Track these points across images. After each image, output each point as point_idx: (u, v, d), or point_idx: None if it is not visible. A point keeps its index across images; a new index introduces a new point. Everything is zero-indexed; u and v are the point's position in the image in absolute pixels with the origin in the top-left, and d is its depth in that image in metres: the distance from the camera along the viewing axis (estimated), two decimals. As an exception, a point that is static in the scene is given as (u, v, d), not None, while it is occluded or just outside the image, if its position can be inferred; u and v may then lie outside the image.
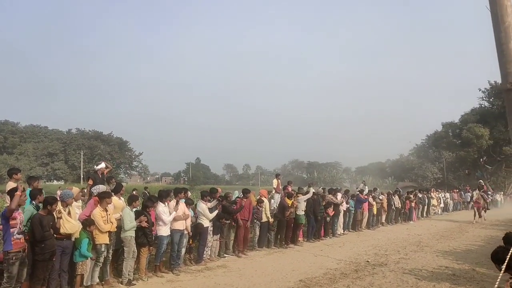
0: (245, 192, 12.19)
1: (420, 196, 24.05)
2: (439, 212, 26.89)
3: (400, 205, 20.71)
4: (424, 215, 24.52)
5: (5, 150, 75.40)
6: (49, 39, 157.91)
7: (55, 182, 72.29)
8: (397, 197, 20.82)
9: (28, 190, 8.00)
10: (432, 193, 26.84)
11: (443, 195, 28.89)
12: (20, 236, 6.17)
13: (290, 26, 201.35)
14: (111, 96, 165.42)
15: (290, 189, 14.22)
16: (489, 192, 33.17)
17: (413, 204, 22.23)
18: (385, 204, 19.49)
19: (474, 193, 22.91)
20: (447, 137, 61.35)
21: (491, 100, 55.77)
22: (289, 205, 13.03)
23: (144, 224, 8.33)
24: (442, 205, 27.62)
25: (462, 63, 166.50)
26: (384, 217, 19.73)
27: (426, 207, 24.75)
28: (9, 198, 6.72)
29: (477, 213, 21.41)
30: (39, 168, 74.25)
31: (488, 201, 23.59)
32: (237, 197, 12.08)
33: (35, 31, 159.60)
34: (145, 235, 8.40)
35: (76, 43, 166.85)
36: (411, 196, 22.42)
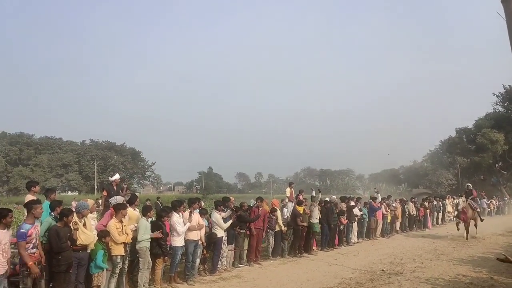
0: (259, 200, 12.22)
1: (435, 203, 23.77)
2: (454, 219, 26.46)
3: (414, 213, 20.48)
4: (440, 222, 24.20)
5: (20, 162, 76.59)
6: (56, 49, 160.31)
7: (69, 193, 73.17)
8: (411, 204, 20.61)
9: (46, 202, 8.15)
10: (447, 200, 26.52)
11: (458, 202, 28.41)
12: (35, 250, 6.28)
13: (301, 27, 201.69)
14: (122, 107, 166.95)
15: (301, 197, 14.21)
16: (484, 199, 31.39)
17: (428, 211, 21.97)
18: (399, 212, 19.30)
19: (460, 200, 18.62)
20: (461, 143, 60.57)
21: (505, 104, 55.03)
22: (301, 213, 13.01)
23: (159, 235, 8.39)
24: (457, 212, 27.15)
25: (476, 68, 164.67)
26: (398, 224, 19.53)
27: (441, 214, 24.43)
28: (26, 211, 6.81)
29: (465, 227, 17.57)
30: (53, 179, 75.20)
31: (478, 210, 19.06)
32: (250, 206, 12.10)
33: (44, 40, 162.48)
34: (159, 246, 8.46)
35: (84, 52, 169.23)
36: (426, 203, 22.18)
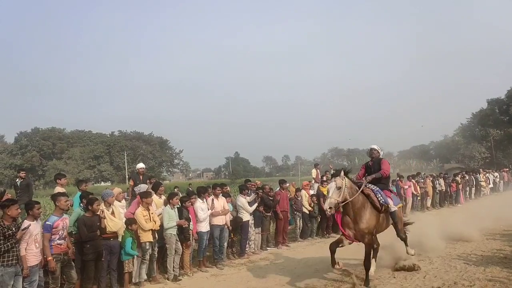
0: (281, 183, 12.21)
1: (467, 177, 23.15)
2: (488, 193, 25.78)
3: (443, 188, 19.98)
4: (473, 196, 23.60)
5: (54, 156, 79.05)
6: (82, 42, 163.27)
7: (102, 184, 75.24)
8: (441, 180, 20.15)
9: (78, 193, 8.42)
10: (480, 174, 25.79)
11: (492, 175, 27.65)
12: (62, 241, 6.50)
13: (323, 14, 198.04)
14: (148, 95, 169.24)
15: (325, 178, 14.09)
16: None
17: (460, 186, 21.43)
18: (429, 188, 18.91)
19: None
20: (493, 114, 58.62)
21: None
22: (324, 194, 12.91)
23: (183, 223, 8.50)
24: (491, 185, 26.44)
25: (506, 36, 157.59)
26: (429, 201, 19.16)
27: (474, 188, 23.80)
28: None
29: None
30: (86, 171, 77.38)
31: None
32: (272, 189, 12.11)
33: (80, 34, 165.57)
34: (181, 232, 8.58)
35: (111, 46, 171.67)
36: (457, 178, 21.63)
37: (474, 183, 23.81)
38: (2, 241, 5.58)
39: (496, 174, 28.61)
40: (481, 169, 29.33)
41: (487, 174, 27.12)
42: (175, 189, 18.51)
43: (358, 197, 7.38)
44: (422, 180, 18.90)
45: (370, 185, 7.83)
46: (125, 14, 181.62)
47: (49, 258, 6.23)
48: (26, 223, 6.01)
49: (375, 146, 8.53)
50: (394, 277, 8.06)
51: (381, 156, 8.50)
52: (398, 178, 17.57)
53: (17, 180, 11.60)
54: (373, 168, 8.30)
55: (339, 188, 7.09)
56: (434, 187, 19.36)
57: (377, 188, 7.83)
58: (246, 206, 10.29)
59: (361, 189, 7.52)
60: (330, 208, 7.03)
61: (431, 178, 19.76)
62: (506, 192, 27.27)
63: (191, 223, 8.84)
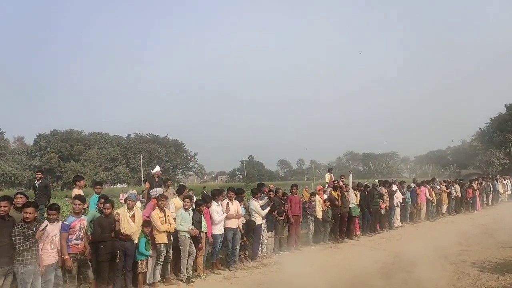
0: (293, 187, 12.29)
1: (483, 183, 22.82)
2: (506, 199, 25.36)
3: (460, 194, 19.74)
4: (490, 203, 23.24)
5: (72, 158, 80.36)
6: (95, 47, 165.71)
7: (118, 186, 76.23)
8: (457, 186, 19.91)
9: (95, 195, 8.64)
10: (498, 180, 25.38)
11: (510, 182, 27.17)
12: (78, 241, 6.70)
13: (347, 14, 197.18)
14: (163, 99, 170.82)
15: (341, 182, 14.10)
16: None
17: (476, 193, 21.13)
18: (444, 194, 18.71)
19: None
20: (512, 120, 57.52)
21: None
22: (336, 198, 12.94)
23: (195, 233, 8.63)
24: (509, 192, 26.00)
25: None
26: (445, 207, 18.95)
27: (491, 195, 23.44)
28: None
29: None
30: (103, 173, 78.51)
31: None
32: (285, 193, 12.18)
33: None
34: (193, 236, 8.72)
35: (124, 50, 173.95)
36: (474, 184, 21.34)
37: (492, 189, 23.45)
38: (22, 241, 5.79)
39: (514, 180, 28.09)
40: (498, 176, 28.86)
41: (505, 181, 26.68)
42: (190, 192, 18.79)
43: None
44: (438, 186, 18.71)
45: None
46: (139, 17, 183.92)
47: (66, 257, 6.43)
48: (45, 223, 6.24)
49: None
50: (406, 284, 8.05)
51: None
52: (414, 185, 17.38)
53: (36, 181, 11.93)
54: None
55: None
56: (450, 193, 19.14)
57: None
58: (259, 210, 10.38)
59: None
60: None
61: (445, 184, 19.52)
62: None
63: (204, 226, 8.96)
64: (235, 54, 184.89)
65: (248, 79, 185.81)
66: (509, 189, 26.18)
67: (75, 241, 6.67)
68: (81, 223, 6.77)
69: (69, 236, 6.57)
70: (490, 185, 23.49)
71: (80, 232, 6.73)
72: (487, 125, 67.81)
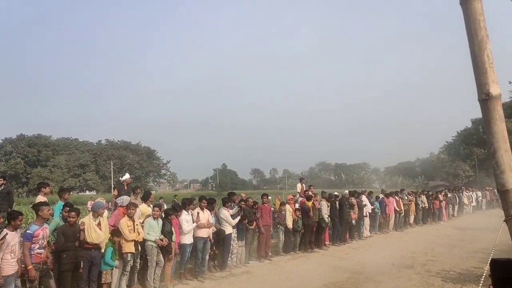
0: (264, 196, 12.32)
1: (449, 195, 23.51)
2: (471, 211, 26.18)
3: (427, 205, 20.26)
4: (456, 214, 23.93)
5: (39, 163, 78.03)
6: (68, 51, 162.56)
7: (87, 193, 74.41)
8: (424, 197, 20.43)
9: (59, 203, 8.39)
10: (463, 192, 26.22)
11: (475, 194, 28.10)
12: (41, 250, 6.48)
13: (306, 26, 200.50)
14: (136, 105, 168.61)
15: (310, 192, 14.26)
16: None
17: (442, 204, 21.75)
18: (412, 205, 19.16)
19: None
20: (477, 134, 59.62)
21: (522, 93, 53.82)
22: (309, 208, 13.05)
23: (162, 244, 8.51)
24: (473, 203, 26.87)
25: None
26: (412, 218, 19.39)
27: (457, 206, 24.15)
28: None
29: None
30: (71, 179, 76.50)
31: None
32: (256, 202, 12.23)
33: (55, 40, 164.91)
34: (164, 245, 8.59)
35: (96, 57, 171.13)
36: (440, 195, 21.96)
37: (457, 201, 24.17)
38: None
39: (479, 193, 29.07)
40: (463, 188, 29.79)
41: (470, 193, 27.57)
42: (160, 200, 18.58)
43: None
44: (406, 197, 19.14)
45: None
46: (107, 19, 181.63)
47: (30, 267, 6.21)
48: (4, 232, 6.01)
49: None
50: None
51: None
52: (382, 196, 17.73)
53: (-3, 187, 11.46)
54: None
55: None
56: (417, 204, 19.61)
57: None
58: (229, 219, 10.34)
59: None
60: None
61: (413, 195, 20.00)
62: (489, 210, 27.72)
63: (173, 235, 8.85)
64: (212, 59, 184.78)
65: (223, 89, 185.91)
66: (473, 200, 27.05)
67: (38, 250, 6.45)
68: (44, 231, 6.56)
69: (32, 245, 6.35)
70: (456, 196, 24.21)
71: (43, 241, 6.52)
72: (454, 138, 70.10)
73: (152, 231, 8.42)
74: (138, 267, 8.47)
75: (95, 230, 7.43)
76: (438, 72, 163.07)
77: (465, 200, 25.43)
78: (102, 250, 7.59)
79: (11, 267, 6.04)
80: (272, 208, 12.84)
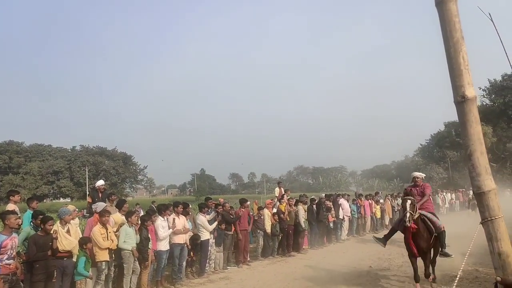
0: (242, 202, 12.25)
1: (424, 197, 23.91)
2: (445, 213, 26.72)
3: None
4: (430, 216, 24.34)
5: (10, 170, 75.72)
6: (48, 46, 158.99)
7: (61, 200, 72.60)
8: (399, 199, 20.72)
9: (28, 212, 8.09)
10: (437, 194, 26.76)
11: (448, 195, 28.73)
12: (10, 261, 6.21)
13: (290, 28, 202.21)
14: (113, 110, 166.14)
15: (285, 196, 14.28)
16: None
17: (417, 206, 22.09)
18: (388, 207, 19.42)
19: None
20: (450, 137, 61.05)
21: (492, 97, 55.59)
22: (283, 212, 13.05)
23: (136, 254, 8.34)
24: (447, 205, 27.46)
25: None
26: (387, 220, 19.64)
27: (431, 208, 24.59)
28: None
29: None
30: (45, 186, 74.56)
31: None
32: (232, 207, 12.15)
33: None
34: (140, 252, 8.41)
35: (74, 51, 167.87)
36: (415, 197, 22.32)
37: (432, 202, 24.60)
38: None
39: (453, 195, 29.75)
40: (439, 189, 30.43)
41: (444, 194, 28.16)
42: (136, 206, 18.22)
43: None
44: (382, 200, 19.38)
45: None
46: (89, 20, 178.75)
47: None
48: None
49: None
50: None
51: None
52: (357, 197, 17.92)
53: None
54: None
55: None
56: (393, 206, 19.89)
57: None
58: (206, 225, 10.22)
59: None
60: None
61: (389, 198, 20.29)
62: (462, 211, 28.35)
63: (150, 242, 8.68)
64: (189, 61, 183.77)
65: (201, 92, 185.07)
66: (447, 202, 27.64)
67: (7, 261, 6.18)
68: (13, 241, 6.29)
69: (0, 256, 6.09)
70: (431, 199, 24.64)
71: (12, 251, 6.25)
72: (428, 141, 71.59)
73: (129, 238, 8.23)
74: (113, 275, 8.27)
75: (65, 237, 7.24)
76: (413, 74, 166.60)
77: (440, 202, 25.94)
78: (74, 259, 7.38)
79: None
80: (251, 213, 12.77)
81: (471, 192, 18.14)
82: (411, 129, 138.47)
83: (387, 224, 19.52)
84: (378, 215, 18.58)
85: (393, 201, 20.20)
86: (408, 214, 7.70)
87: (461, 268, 5.78)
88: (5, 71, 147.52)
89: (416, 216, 7.89)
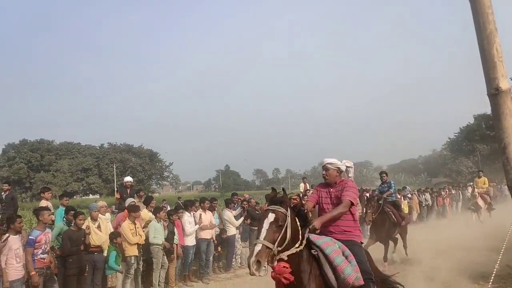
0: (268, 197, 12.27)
1: (453, 192, 23.42)
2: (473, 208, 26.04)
3: (430, 203, 20.21)
4: (459, 211, 23.82)
5: (42, 168, 78.14)
6: (69, 56, 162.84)
7: (91, 196, 74.47)
8: (427, 194, 20.37)
9: (61, 208, 8.37)
10: (468, 188, 26.10)
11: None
12: (45, 255, 6.45)
13: (303, 26, 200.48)
14: (138, 108, 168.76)
15: (309, 193, 14.23)
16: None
17: (446, 201, 21.67)
18: (415, 202, 19.10)
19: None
20: (479, 130, 59.49)
21: (525, 87, 53.71)
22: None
23: (168, 245, 8.49)
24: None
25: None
26: (415, 215, 19.31)
27: (461, 203, 24.06)
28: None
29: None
30: (75, 183, 76.62)
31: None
32: (257, 202, 12.22)
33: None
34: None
35: (98, 52, 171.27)
36: (443, 192, 21.88)
37: (461, 197, 24.08)
38: None
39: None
40: (467, 183, 29.67)
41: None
42: (163, 202, 18.54)
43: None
44: (410, 195, 19.07)
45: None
46: (108, 21, 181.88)
47: (33, 272, 6.18)
48: (6, 235, 5.99)
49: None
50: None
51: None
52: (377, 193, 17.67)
53: (2, 193, 11.48)
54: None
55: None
56: (420, 202, 19.55)
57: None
58: (232, 220, 10.30)
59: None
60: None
61: (417, 193, 19.96)
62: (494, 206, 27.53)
63: (176, 237, 8.82)
64: (214, 60, 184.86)
65: (225, 89, 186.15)
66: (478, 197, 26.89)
67: (41, 255, 6.43)
68: (47, 236, 6.54)
69: (35, 250, 6.33)
70: (460, 193, 24.12)
71: (46, 246, 6.49)
72: (456, 134, 69.92)
73: (158, 234, 8.39)
74: (141, 270, 8.44)
75: (95, 233, 7.46)
76: (442, 67, 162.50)
77: (470, 196, 25.31)
78: (105, 254, 7.59)
79: (16, 272, 6.03)
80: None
81: (469, 190, 17.47)
82: (438, 122, 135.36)
83: (415, 220, 19.21)
84: (406, 210, 18.27)
85: (420, 196, 19.82)
86: (254, 256, 3.57)
87: (496, 265, 5.54)
88: (37, 72, 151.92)
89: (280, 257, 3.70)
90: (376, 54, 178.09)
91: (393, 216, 10.47)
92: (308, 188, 15.93)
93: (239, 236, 10.72)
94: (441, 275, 9.02)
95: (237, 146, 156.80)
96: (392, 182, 11.15)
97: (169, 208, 12.08)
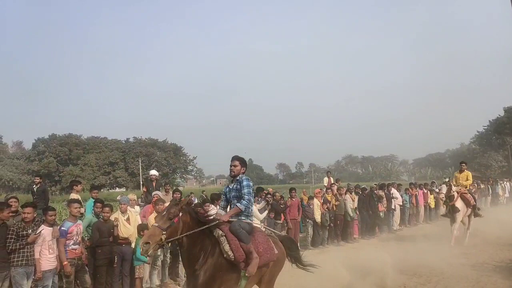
0: (292, 191, 12.31)
1: (482, 186, 22.85)
2: (505, 202, 25.37)
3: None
4: (489, 206, 23.24)
5: (70, 162, 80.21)
6: (95, 52, 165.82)
7: (117, 190, 76.07)
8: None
9: (90, 200, 8.63)
10: (498, 183, 25.44)
11: (508, 184, 27.20)
12: (76, 246, 6.68)
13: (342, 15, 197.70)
14: (163, 103, 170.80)
15: (335, 186, 14.19)
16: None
17: (475, 196, 21.13)
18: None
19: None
20: (510, 123, 57.62)
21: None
22: (329, 201, 12.97)
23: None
24: (507, 194, 26.02)
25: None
26: (443, 210, 18.93)
27: (490, 197, 23.47)
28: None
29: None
30: (102, 177, 78.40)
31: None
32: (282, 196, 12.26)
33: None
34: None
35: (125, 54, 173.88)
36: (471, 187, 21.34)
37: (490, 192, 23.49)
38: (13, 241, 5.78)
39: (512, 183, 28.11)
40: (497, 178, 28.90)
41: (504, 183, 26.70)
42: (191, 195, 18.79)
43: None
44: (437, 190, 18.69)
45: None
46: (136, 19, 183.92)
47: (65, 262, 6.41)
48: (41, 227, 6.22)
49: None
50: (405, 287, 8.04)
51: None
52: (408, 187, 17.45)
53: (34, 186, 11.90)
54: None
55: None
56: (448, 196, 19.12)
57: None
58: (257, 213, 10.35)
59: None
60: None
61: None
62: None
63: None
64: (237, 57, 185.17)
65: (248, 82, 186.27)
66: (507, 192, 26.20)
67: (73, 246, 6.66)
68: (78, 227, 6.76)
69: (67, 241, 6.56)
70: (489, 188, 23.52)
71: (77, 237, 6.72)
72: (486, 128, 67.91)
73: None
74: (168, 262, 8.60)
75: (124, 225, 7.64)
76: (471, 58, 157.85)
77: (500, 191, 24.67)
78: (133, 245, 7.77)
79: (49, 262, 6.27)
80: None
81: (444, 188, 12.87)
82: (467, 114, 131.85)
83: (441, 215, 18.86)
84: (433, 205, 17.98)
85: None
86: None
87: None
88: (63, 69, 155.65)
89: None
90: (408, 47, 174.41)
91: None
92: (333, 182, 15.84)
93: (263, 230, 10.76)
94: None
95: (260, 140, 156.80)
96: None
97: (196, 201, 12.24)
